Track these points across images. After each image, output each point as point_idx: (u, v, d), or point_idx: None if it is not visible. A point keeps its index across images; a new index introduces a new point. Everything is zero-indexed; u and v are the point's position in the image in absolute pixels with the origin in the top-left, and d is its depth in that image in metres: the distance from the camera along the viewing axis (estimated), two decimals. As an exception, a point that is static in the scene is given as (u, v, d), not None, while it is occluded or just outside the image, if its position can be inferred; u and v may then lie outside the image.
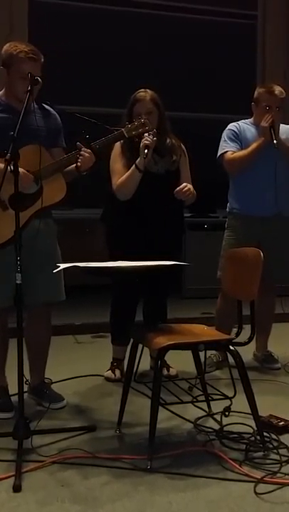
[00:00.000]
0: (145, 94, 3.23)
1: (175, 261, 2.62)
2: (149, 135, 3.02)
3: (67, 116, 3.01)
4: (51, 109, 2.92)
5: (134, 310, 3.44)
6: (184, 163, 3.34)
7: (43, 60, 2.75)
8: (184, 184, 3.13)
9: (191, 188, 3.15)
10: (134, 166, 3.11)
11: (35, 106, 2.82)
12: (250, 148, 3.47)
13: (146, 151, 3.01)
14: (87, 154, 2.74)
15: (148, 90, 3.26)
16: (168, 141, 3.27)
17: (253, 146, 3.45)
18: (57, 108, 2.94)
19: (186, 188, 3.11)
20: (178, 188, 3.11)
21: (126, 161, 3.19)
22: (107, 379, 3.40)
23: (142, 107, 3.17)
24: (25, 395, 2.78)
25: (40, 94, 2.80)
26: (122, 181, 3.16)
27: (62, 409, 2.96)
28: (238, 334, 2.59)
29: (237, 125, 3.59)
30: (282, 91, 3.49)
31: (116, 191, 3.20)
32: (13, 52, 2.70)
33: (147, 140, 3.02)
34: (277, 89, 3.48)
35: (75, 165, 2.75)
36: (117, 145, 3.23)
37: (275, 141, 3.33)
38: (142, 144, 3.03)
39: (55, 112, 2.93)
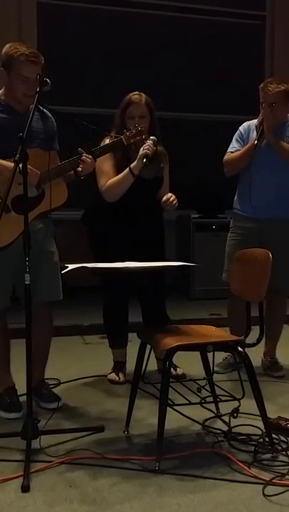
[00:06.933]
0: (140, 97, 3.22)
1: (161, 262, 2.64)
2: (150, 142, 3.04)
3: (65, 119, 3.02)
4: (47, 112, 2.92)
5: (126, 311, 3.45)
6: (166, 171, 3.37)
7: (43, 62, 2.75)
8: (170, 194, 3.16)
9: (175, 198, 3.17)
10: (128, 169, 3.11)
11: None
12: (241, 150, 3.43)
13: (144, 160, 3.03)
14: (89, 160, 2.78)
15: (142, 94, 3.25)
16: (158, 148, 3.25)
17: (245, 147, 3.42)
18: (48, 108, 2.91)
19: (172, 198, 3.14)
20: (165, 199, 3.13)
21: (116, 161, 3.19)
22: (111, 381, 3.40)
23: (136, 110, 3.17)
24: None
25: (50, 95, 2.81)
26: (113, 183, 3.16)
27: (70, 410, 2.96)
28: (246, 335, 2.58)
29: (246, 124, 3.55)
30: (279, 86, 3.32)
31: (104, 192, 3.19)
32: (14, 54, 2.70)
33: (149, 149, 3.04)
34: (272, 85, 3.32)
35: (73, 170, 2.79)
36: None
37: (256, 142, 3.29)
38: (142, 152, 3.05)
39: (50, 115, 2.94)
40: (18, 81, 2.71)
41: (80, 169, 2.77)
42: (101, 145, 3.00)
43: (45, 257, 2.80)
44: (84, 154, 2.77)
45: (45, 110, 2.90)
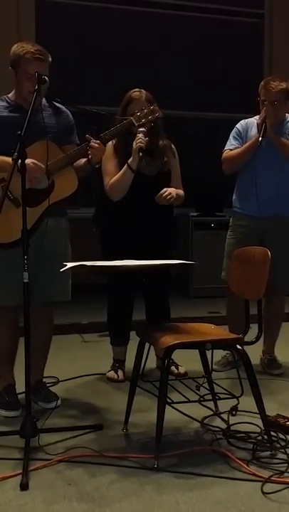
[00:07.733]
0: (140, 93, 3.23)
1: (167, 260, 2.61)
2: (141, 135, 3.02)
3: (77, 112, 3.01)
4: (62, 107, 2.92)
5: (131, 310, 3.45)
6: (174, 164, 3.34)
7: (50, 59, 2.75)
8: (165, 189, 3.13)
9: (173, 192, 3.14)
10: (126, 166, 3.11)
11: (45, 104, 2.84)
12: (242, 147, 3.42)
13: (140, 153, 3.01)
14: (96, 145, 2.76)
15: (142, 90, 3.25)
16: (160, 142, 3.25)
17: (246, 144, 3.41)
18: (67, 105, 2.94)
19: (166, 193, 3.11)
20: (158, 194, 3.11)
21: (118, 160, 3.18)
22: (110, 379, 3.40)
23: (137, 107, 3.16)
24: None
25: (50, 93, 2.81)
26: (115, 181, 3.16)
27: (69, 408, 2.96)
28: (245, 333, 2.58)
29: (243, 122, 3.54)
30: (281, 84, 3.33)
31: (108, 191, 3.19)
32: (20, 53, 2.72)
33: (142, 142, 3.02)
34: (274, 83, 3.34)
35: (86, 159, 2.77)
36: (109, 145, 3.18)
37: (260, 139, 3.28)
38: (135, 146, 3.03)
39: (66, 109, 2.94)
40: (24, 79, 2.72)
41: (90, 156, 2.76)
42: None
43: (53, 257, 2.75)
44: (92, 140, 2.76)
45: (58, 105, 2.90)
